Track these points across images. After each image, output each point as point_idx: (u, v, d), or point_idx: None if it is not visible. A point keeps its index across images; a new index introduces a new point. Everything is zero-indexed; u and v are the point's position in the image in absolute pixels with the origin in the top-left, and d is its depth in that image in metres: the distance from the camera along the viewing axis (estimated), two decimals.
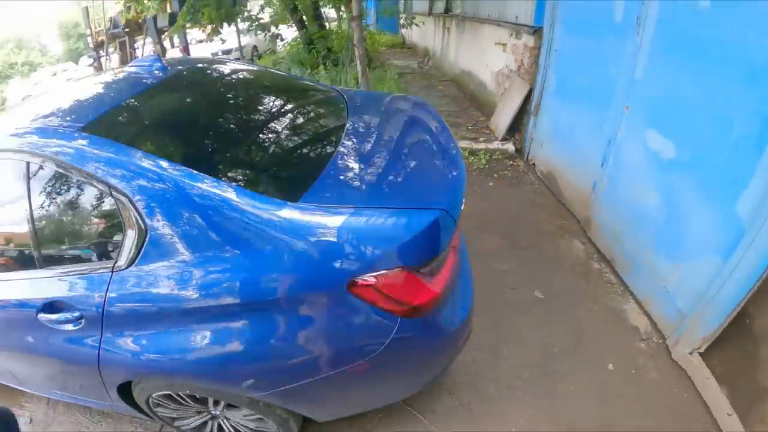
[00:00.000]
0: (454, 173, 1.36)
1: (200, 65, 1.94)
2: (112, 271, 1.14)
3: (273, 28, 7.06)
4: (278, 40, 7.84)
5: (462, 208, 1.30)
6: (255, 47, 11.82)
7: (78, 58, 21.12)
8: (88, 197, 1.17)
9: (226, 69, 2.03)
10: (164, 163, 1.11)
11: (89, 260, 1.22)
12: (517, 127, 3.92)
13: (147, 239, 1.10)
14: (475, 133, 4.44)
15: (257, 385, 1.20)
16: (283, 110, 1.73)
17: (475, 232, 2.80)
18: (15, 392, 2.03)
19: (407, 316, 1.11)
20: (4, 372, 1.62)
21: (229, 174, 1.20)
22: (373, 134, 1.57)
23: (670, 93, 1.88)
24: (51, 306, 1.22)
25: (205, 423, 1.54)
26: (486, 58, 4.64)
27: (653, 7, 1.94)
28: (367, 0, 13.38)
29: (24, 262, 1.30)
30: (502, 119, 4.05)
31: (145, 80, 1.57)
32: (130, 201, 1.10)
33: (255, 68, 2.28)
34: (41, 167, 1.19)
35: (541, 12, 3.06)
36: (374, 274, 1.05)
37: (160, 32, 8.40)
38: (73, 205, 1.21)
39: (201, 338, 1.13)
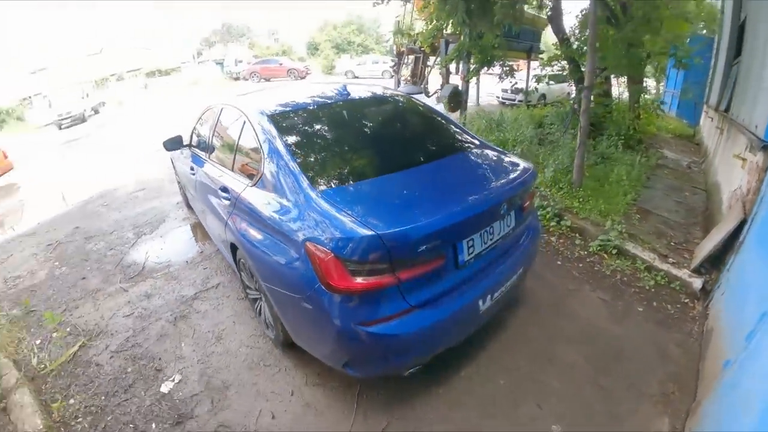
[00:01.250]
0: (436, 218, 1.64)
1: (367, 97, 2.75)
2: (247, 186, 2.18)
3: (531, 84, 7.66)
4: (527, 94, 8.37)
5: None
6: (543, 95, 11.62)
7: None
8: (255, 147, 2.22)
9: (384, 102, 2.78)
10: (281, 146, 2.03)
11: (245, 175, 2.29)
12: (718, 264, 2.91)
13: (261, 177, 2.06)
14: (670, 252, 3.48)
15: (257, 270, 2.01)
16: (386, 140, 2.37)
17: (564, 341, 2.42)
18: (207, 236, 3.71)
19: (323, 286, 1.58)
20: (203, 222, 3.22)
21: (308, 163, 1.99)
22: (428, 177, 2.03)
23: None
24: (224, 188, 2.42)
25: (256, 300, 2.41)
26: (731, 172, 3.57)
27: None
28: (670, 79, 11.47)
29: (228, 163, 2.53)
30: (704, 248, 3.09)
31: (329, 98, 2.58)
32: (263, 155, 2.09)
33: (413, 106, 2.82)
34: (248, 125, 2.33)
35: None
36: (317, 245, 1.60)
37: None
38: (251, 147, 2.28)
39: (254, 232, 2.03)
